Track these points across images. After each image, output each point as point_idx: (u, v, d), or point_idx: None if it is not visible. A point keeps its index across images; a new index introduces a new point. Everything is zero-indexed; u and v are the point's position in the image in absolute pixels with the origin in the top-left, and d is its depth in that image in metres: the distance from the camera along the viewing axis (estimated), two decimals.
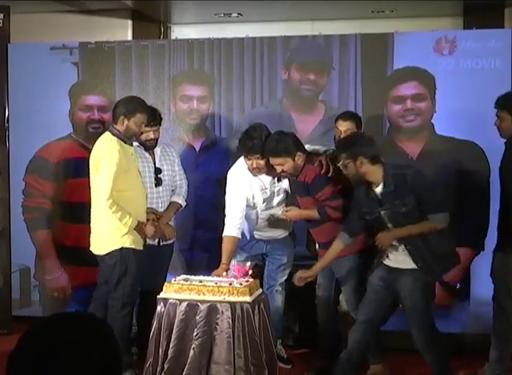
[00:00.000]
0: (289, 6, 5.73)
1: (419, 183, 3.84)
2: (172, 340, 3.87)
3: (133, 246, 4.26)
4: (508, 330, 4.19)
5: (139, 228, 4.27)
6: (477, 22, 5.38)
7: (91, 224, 4.36)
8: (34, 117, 5.46)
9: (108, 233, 4.26)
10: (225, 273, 4.16)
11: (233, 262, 4.27)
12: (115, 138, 4.23)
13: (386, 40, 5.06)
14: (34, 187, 5.46)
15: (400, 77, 5.04)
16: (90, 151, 4.35)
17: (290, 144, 4.24)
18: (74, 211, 5.34)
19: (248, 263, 4.21)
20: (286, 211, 4.41)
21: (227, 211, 4.41)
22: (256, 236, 4.65)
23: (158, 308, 3.95)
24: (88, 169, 4.32)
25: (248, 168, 4.44)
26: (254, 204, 4.51)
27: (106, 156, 4.17)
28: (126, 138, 4.26)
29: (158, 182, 4.62)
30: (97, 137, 4.25)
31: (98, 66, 5.41)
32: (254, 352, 3.84)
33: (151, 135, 4.54)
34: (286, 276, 4.67)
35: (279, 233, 4.65)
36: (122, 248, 4.24)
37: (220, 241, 4.38)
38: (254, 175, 4.46)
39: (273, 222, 4.59)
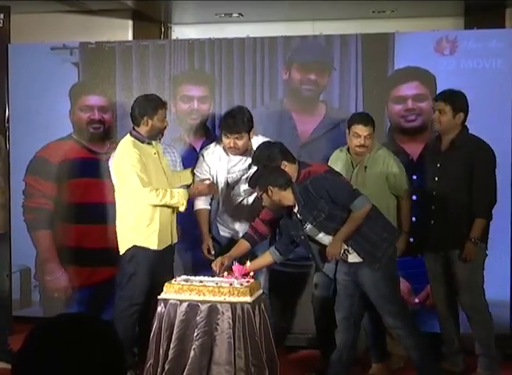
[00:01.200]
0: (289, 6, 5.75)
1: (320, 187, 3.92)
2: (173, 340, 3.88)
3: (145, 245, 4.30)
4: None
5: (192, 192, 4.41)
6: (478, 22, 5.40)
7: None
8: (34, 117, 5.47)
9: (124, 232, 4.36)
10: (226, 274, 4.17)
11: (234, 262, 4.28)
12: (131, 139, 4.31)
13: (387, 40, 5.07)
14: (34, 188, 5.47)
15: (401, 77, 5.06)
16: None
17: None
18: (75, 211, 5.36)
19: (248, 263, 4.22)
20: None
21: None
22: (221, 232, 4.71)
23: (159, 308, 3.96)
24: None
25: (224, 147, 4.54)
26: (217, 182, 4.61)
27: (125, 159, 4.25)
28: (147, 138, 4.33)
29: None
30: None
31: (99, 66, 5.42)
32: (254, 353, 3.85)
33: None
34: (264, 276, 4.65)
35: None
36: (133, 246, 4.30)
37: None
38: (232, 154, 4.56)
39: (238, 213, 4.61)
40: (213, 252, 4.64)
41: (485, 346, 4.31)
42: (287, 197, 3.99)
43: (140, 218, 4.29)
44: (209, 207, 4.71)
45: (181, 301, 3.92)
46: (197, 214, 4.70)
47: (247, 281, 4.02)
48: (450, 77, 4.97)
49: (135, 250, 4.32)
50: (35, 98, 5.46)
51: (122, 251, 4.38)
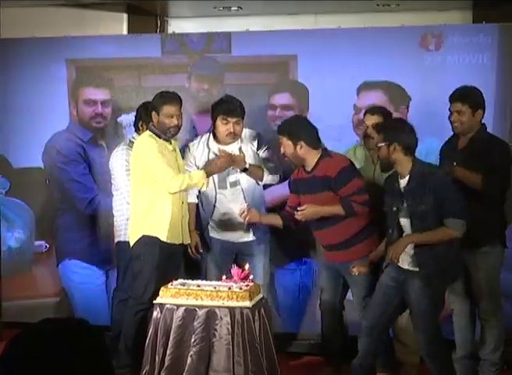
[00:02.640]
0: None
1: (441, 185, 3.89)
2: (169, 347, 3.88)
3: (154, 234, 4.38)
4: None
5: (211, 168, 4.48)
6: (487, 16, 5.39)
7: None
8: (26, 114, 5.49)
9: (135, 223, 4.47)
10: (224, 277, 4.17)
11: (232, 265, 4.28)
12: (149, 133, 4.47)
13: None
14: None
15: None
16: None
17: (296, 129, 4.30)
18: None
19: (247, 266, 4.21)
20: (301, 210, 4.27)
21: None
22: (213, 235, 4.73)
23: (155, 313, 3.97)
24: None
25: (220, 134, 4.59)
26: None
27: (147, 148, 4.40)
28: (162, 134, 4.44)
29: None
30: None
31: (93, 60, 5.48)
32: (254, 360, 3.85)
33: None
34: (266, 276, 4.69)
35: (244, 235, 4.67)
36: (142, 236, 4.38)
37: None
38: (226, 143, 4.58)
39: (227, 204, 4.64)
40: (201, 251, 4.64)
41: (492, 352, 4.31)
42: (405, 165, 3.96)
43: (152, 208, 4.40)
44: (197, 201, 4.75)
45: (178, 306, 3.92)
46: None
47: (247, 285, 4.02)
48: (436, 73, 5.01)
49: (144, 240, 4.39)
50: (27, 94, 5.50)
51: (132, 243, 4.45)
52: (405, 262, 4.01)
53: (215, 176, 4.63)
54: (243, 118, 4.63)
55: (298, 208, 4.29)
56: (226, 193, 4.68)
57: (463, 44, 5.05)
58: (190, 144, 4.80)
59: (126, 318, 4.42)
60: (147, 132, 4.50)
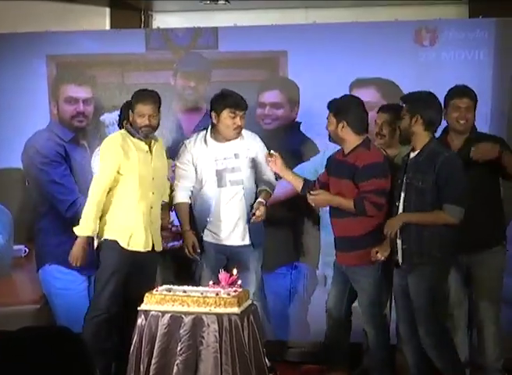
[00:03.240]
0: None
1: (447, 166, 3.95)
2: (155, 355, 3.87)
3: (115, 239, 4.38)
4: None
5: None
6: (483, 10, 5.39)
7: None
8: (5, 111, 5.48)
9: (100, 225, 4.45)
10: (211, 283, 4.15)
11: (220, 270, 4.26)
12: (122, 131, 4.50)
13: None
14: None
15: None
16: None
17: (343, 106, 4.33)
18: None
19: (235, 271, 4.20)
20: (314, 194, 4.33)
21: (176, 179, 4.69)
22: (207, 239, 4.69)
23: (139, 320, 3.94)
24: None
25: (226, 129, 4.57)
26: (202, 180, 4.63)
27: (103, 146, 4.51)
28: (135, 132, 4.45)
29: None
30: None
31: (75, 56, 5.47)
32: (243, 368, 3.84)
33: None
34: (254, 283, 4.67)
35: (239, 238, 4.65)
36: (104, 240, 4.41)
37: None
38: (231, 138, 4.59)
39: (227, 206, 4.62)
40: (199, 251, 4.62)
41: (497, 359, 4.31)
42: (421, 139, 4.04)
43: (113, 211, 4.41)
44: (189, 201, 4.72)
45: (163, 313, 3.90)
46: (177, 209, 4.74)
47: (235, 291, 4.00)
48: (430, 70, 5.03)
49: (105, 243, 4.42)
50: (7, 92, 5.48)
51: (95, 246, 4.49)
52: (400, 257, 4.08)
53: (214, 174, 4.60)
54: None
55: (312, 192, 4.35)
56: (225, 191, 4.64)
57: (458, 39, 5.06)
58: (187, 142, 4.76)
59: (88, 329, 4.38)
60: (121, 130, 4.52)
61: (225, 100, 4.59)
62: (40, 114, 5.48)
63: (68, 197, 5.39)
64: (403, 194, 4.06)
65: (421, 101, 4.07)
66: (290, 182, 4.60)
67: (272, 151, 4.55)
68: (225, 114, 4.57)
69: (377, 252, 4.18)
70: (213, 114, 4.62)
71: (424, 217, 4.01)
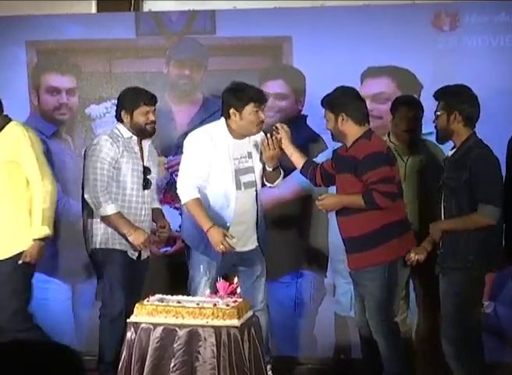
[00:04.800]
0: None
1: (480, 163, 4.02)
2: (145, 372, 3.86)
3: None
4: None
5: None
6: None
7: None
8: None
9: None
10: (208, 292, 4.14)
11: (218, 278, 4.25)
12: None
13: None
14: None
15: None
16: None
17: (336, 100, 4.34)
18: None
19: (236, 279, 4.19)
20: (321, 199, 4.36)
21: (181, 174, 4.56)
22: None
23: (128, 334, 3.94)
24: None
25: (249, 125, 4.51)
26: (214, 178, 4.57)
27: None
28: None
29: (147, 184, 4.68)
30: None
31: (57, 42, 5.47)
32: None
33: (151, 117, 4.58)
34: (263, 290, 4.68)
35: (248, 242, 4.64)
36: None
37: None
38: (257, 132, 4.58)
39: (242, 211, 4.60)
40: (233, 241, 4.46)
41: None
42: (461, 136, 4.10)
43: None
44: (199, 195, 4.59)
45: (155, 325, 3.89)
46: (191, 206, 4.51)
47: (234, 301, 3.99)
48: (451, 57, 5.04)
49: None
50: None
51: None
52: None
53: (232, 175, 4.54)
54: None
55: (319, 197, 4.39)
56: (239, 194, 4.59)
57: (482, 23, 5.06)
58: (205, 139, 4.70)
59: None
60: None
61: (247, 93, 4.51)
62: (19, 106, 5.46)
63: None
64: (442, 196, 4.15)
65: (457, 96, 4.13)
66: (291, 157, 4.60)
67: (278, 124, 4.58)
68: (249, 109, 4.49)
69: (413, 254, 4.26)
70: (232, 111, 4.50)
71: (461, 223, 4.10)
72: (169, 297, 4.10)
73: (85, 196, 4.58)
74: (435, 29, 5.08)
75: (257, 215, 4.62)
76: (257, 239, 4.65)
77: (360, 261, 4.33)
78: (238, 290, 4.10)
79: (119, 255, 4.57)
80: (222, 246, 4.36)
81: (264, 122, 4.55)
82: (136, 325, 3.93)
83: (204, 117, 5.37)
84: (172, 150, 5.28)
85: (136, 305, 3.99)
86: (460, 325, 4.09)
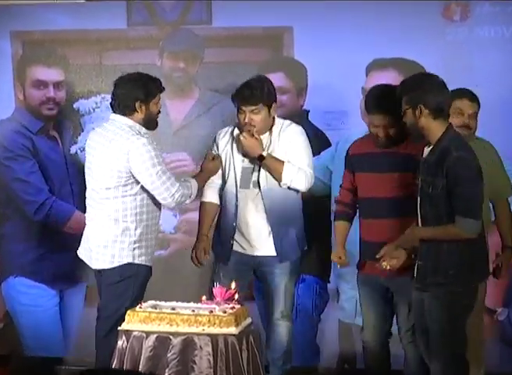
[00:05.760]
0: None
1: (457, 169, 3.85)
2: None
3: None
4: None
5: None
6: None
7: None
8: None
9: None
10: (204, 298, 4.13)
11: (215, 284, 4.25)
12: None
13: None
14: None
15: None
16: None
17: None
18: None
19: (233, 285, 4.18)
20: (393, 262, 4.14)
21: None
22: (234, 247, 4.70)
23: (119, 342, 3.93)
24: None
25: (238, 126, 4.57)
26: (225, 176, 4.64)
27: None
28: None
29: None
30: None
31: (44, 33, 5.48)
32: None
33: (160, 105, 4.53)
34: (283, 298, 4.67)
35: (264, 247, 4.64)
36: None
37: None
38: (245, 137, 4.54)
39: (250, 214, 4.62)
40: (208, 257, 4.69)
41: None
42: (435, 131, 3.93)
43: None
44: (218, 202, 4.71)
45: (148, 334, 3.88)
46: (202, 208, 4.76)
47: (232, 307, 3.99)
48: (461, 49, 5.04)
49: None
50: None
51: None
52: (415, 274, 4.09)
53: (238, 173, 4.59)
54: (268, 105, 4.52)
55: (384, 261, 4.14)
56: (248, 194, 4.62)
57: (494, 13, 5.07)
58: (217, 133, 4.76)
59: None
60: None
61: (236, 93, 4.55)
62: (4, 101, 5.49)
63: (36, 197, 5.39)
64: (419, 202, 4.03)
65: (419, 87, 3.97)
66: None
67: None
68: (237, 110, 4.57)
69: (383, 261, 4.14)
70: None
71: (437, 233, 3.95)
72: (163, 303, 4.09)
73: (165, 196, 4.37)
74: (444, 19, 5.09)
75: (267, 217, 4.61)
76: (275, 246, 4.63)
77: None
78: (236, 295, 4.09)
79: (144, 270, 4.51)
80: (194, 254, 4.72)
81: (249, 125, 4.51)
82: (127, 333, 3.92)
83: (200, 112, 5.37)
84: (167, 147, 5.27)
85: (128, 311, 3.98)
86: (447, 343, 4.00)
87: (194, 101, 5.41)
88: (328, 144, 5.15)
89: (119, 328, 3.96)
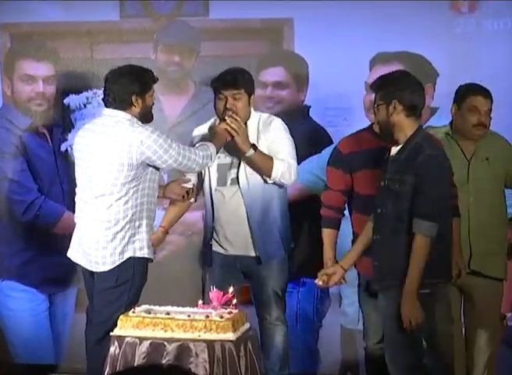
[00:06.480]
0: None
1: (425, 169, 3.87)
2: None
3: None
4: None
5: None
6: None
7: None
8: None
9: None
10: (201, 302, 4.12)
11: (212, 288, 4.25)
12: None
13: None
14: None
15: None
16: None
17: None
18: None
19: (231, 289, 4.17)
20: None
21: None
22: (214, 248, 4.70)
23: (112, 349, 3.93)
24: None
25: (217, 113, 4.55)
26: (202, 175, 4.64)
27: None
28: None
29: None
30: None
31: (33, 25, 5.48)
32: None
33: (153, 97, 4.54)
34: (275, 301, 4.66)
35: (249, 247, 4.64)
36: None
37: None
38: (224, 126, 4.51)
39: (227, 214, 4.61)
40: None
41: None
42: (406, 129, 3.96)
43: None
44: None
45: (141, 339, 3.88)
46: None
47: (229, 312, 3.98)
48: (469, 41, 5.06)
49: None
50: None
51: None
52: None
53: (214, 170, 4.57)
54: (248, 93, 4.53)
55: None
56: (226, 192, 4.62)
57: (504, 5, 5.09)
58: (195, 130, 4.78)
59: None
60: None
61: (214, 80, 4.58)
62: None
63: (25, 197, 5.38)
64: (380, 201, 4.04)
65: (396, 84, 4.02)
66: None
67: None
68: (215, 97, 4.57)
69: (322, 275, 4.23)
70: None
71: (415, 265, 3.89)
72: (157, 308, 4.09)
73: (190, 165, 4.39)
74: (452, 11, 5.10)
75: (248, 216, 4.59)
76: (254, 246, 4.62)
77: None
78: (234, 300, 4.08)
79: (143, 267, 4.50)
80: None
81: (229, 111, 4.48)
82: (120, 339, 3.92)
83: (195, 108, 5.36)
84: None
85: (121, 316, 3.98)
86: (404, 353, 4.00)
87: (190, 97, 5.42)
88: (330, 142, 5.15)
89: (111, 334, 3.96)
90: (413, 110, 3.97)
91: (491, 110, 4.48)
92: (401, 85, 3.99)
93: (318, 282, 4.23)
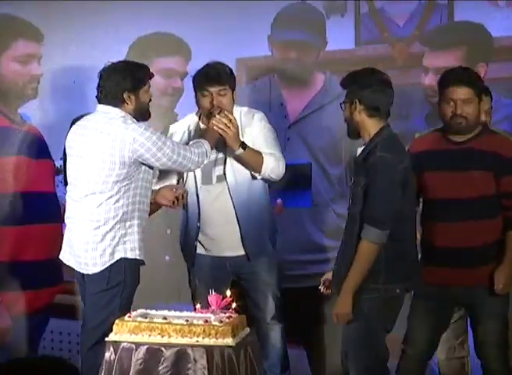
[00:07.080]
0: None
1: (373, 172, 3.91)
2: None
3: None
4: None
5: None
6: None
7: None
8: None
9: None
10: (199, 306, 4.13)
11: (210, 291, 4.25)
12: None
13: None
14: None
15: None
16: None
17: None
18: None
19: (228, 292, 4.18)
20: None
21: None
22: (199, 251, 4.74)
23: (107, 354, 3.93)
24: None
25: (202, 110, 4.61)
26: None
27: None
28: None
29: None
30: None
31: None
32: None
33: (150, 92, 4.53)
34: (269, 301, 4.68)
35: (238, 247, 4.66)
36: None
37: None
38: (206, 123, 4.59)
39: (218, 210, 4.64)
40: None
41: None
42: (368, 128, 4.02)
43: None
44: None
45: (138, 345, 3.88)
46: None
47: (229, 317, 3.99)
48: (507, 34, 5.07)
49: None
50: None
51: None
52: None
53: (198, 168, 4.58)
54: (232, 89, 4.61)
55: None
56: (211, 190, 4.64)
57: None
58: (171, 127, 4.81)
59: None
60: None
61: (198, 76, 4.62)
62: None
63: None
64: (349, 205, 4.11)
65: (358, 82, 4.04)
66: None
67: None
68: (198, 93, 4.62)
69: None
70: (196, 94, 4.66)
71: (355, 269, 3.96)
72: (154, 312, 4.10)
73: (185, 164, 4.38)
74: (489, 4, 5.12)
75: (236, 213, 4.63)
76: (243, 243, 4.67)
77: (474, 277, 4.26)
78: (233, 304, 4.09)
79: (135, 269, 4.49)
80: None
81: (215, 109, 4.54)
82: (116, 344, 3.92)
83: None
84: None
85: (116, 321, 3.98)
86: (360, 355, 4.05)
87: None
88: None
89: (106, 339, 3.96)
90: (375, 110, 4.00)
91: (491, 108, 4.50)
92: (363, 84, 4.01)
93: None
